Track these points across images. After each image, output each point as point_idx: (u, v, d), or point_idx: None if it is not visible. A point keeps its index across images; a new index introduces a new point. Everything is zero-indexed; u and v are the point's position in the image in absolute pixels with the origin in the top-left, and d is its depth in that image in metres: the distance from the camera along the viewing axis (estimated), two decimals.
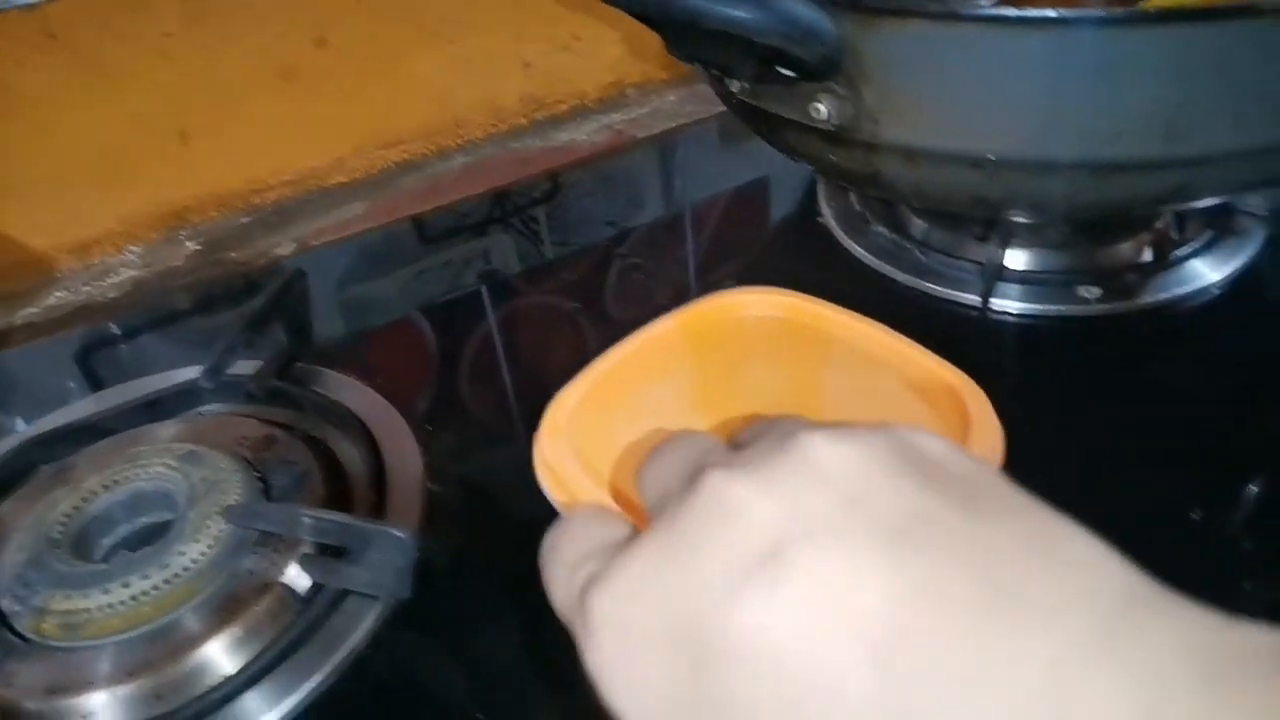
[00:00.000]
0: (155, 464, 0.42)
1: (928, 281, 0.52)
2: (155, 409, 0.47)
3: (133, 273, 0.72)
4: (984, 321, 0.49)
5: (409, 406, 0.48)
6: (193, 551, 0.38)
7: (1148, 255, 0.52)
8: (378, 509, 0.42)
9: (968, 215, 0.47)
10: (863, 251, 0.55)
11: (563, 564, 0.25)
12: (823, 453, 0.21)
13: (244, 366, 0.48)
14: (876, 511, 0.19)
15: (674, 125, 0.82)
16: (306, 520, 0.37)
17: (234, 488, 0.41)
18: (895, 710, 0.17)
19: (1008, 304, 0.49)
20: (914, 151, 0.41)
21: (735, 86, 0.44)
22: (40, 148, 0.67)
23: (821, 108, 0.40)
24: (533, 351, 0.56)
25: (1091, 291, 0.49)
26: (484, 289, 0.63)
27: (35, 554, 0.39)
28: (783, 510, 0.20)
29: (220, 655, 0.37)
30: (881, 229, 0.56)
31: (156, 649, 0.36)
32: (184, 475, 0.42)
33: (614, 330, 0.54)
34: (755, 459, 0.22)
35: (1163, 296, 0.49)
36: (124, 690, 0.35)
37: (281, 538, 0.39)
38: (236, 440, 0.45)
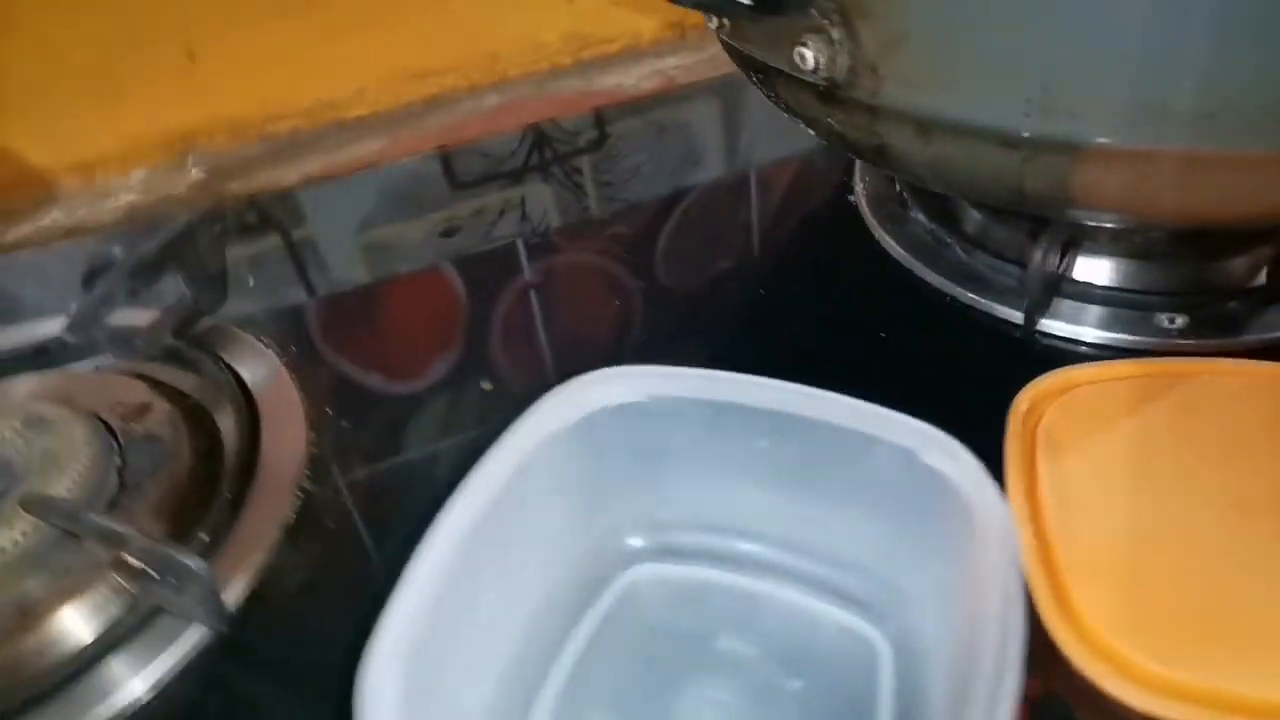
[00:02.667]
0: (2, 426, 0.37)
1: (967, 289, 0.41)
2: (44, 357, 0.42)
3: (131, 198, 0.68)
4: (1026, 348, 0.39)
5: (328, 387, 0.41)
6: (2, 538, 0.33)
7: (1262, 278, 0.39)
8: (235, 505, 0.35)
9: (1012, 210, 0.36)
10: (893, 243, 0.44)
11: None
12: None
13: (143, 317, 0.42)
14: None
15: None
16: (98, 526, 0.30)
17: (76, 466, 0.35)
18: None
19: (1060, 327, 0.39)
20: (926, 120, 0.31)
21: (713, 23, 0.35)
22: (39, 61, 0.63)
23: (808, 54, 0.31)
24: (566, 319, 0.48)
25: (1175, 320, 0.38)
26: (519, 243, 0.56)
27: None
28: None
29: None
30: (920, 216, 0.45)
31: None
32: (26, 444, 0.36)
33: (664, 300, 0.47)
34: None
35: (1271, 335, 0.37)
36: None
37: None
38: (111, 405, 0.39)
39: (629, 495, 0.31)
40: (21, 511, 0.33)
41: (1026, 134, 0.29)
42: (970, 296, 0.41)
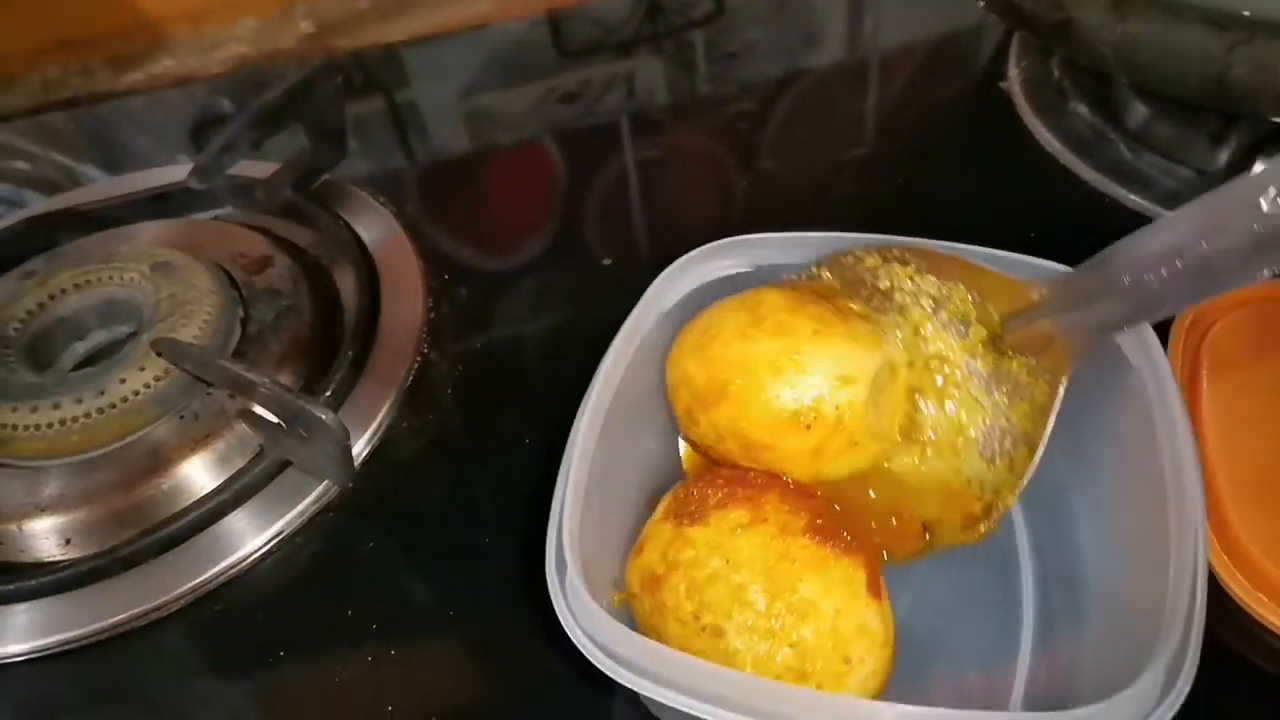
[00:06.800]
0: (130, 269, 0.37)
1: (1129, 190, 0.38)
2: (162, 204, 0.42)
3: (241, 49, 0.67)
4: None
5: (442, 252, 0.41)
6: (135, 381, 0.33)
7: None
8: (357, 365, 0.35)
9: (1200, 105, 0.33)
10: (1049, 135, 0.41)
11: None
12: None
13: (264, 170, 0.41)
14: None
15: None
16: (231, 373, 0.30)
17: (201, 314, 0.35)
18: None
19: None
20: None
21: None
22: None
23: None
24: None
25: None
26: (624, 119, 0.53)
27: None
28: None
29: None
30: (1081, 108, 0.41)
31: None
32: (153, 288, 0.36)
33: (769, 187, 0.44)
34: None
35: None
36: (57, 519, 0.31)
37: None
38: (233, 256, 0.39)
39: None
40: (153, 355, 0.33)
41: (1248, 12, 0.26)
42: (1132, 199, 0.38)
